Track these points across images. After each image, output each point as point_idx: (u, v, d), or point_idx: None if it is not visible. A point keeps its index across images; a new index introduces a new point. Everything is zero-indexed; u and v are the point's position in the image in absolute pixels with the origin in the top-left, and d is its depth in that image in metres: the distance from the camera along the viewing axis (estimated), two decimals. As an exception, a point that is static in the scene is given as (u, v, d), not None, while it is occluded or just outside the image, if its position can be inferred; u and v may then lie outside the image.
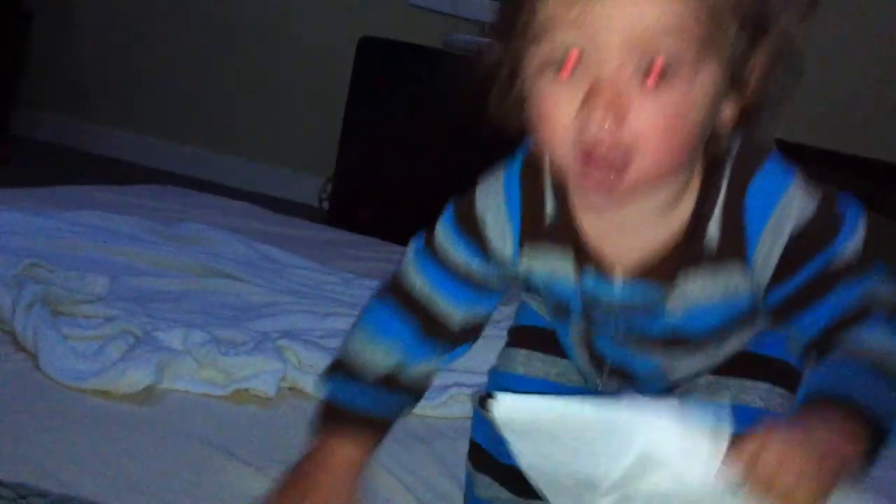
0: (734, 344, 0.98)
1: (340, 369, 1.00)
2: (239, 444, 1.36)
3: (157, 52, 3.81)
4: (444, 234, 0.97)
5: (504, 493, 1.08)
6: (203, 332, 1.60)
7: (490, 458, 1.08)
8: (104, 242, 2.11)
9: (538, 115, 0.83)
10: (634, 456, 0.74)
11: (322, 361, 1.60)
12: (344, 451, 0.97)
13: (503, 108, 0.88)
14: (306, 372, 1.58)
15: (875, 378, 0.78)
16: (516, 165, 0.94)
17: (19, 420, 1.32)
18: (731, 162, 0.87)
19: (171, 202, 2.66)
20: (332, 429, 0.98)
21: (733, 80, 0.83)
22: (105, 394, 1.43)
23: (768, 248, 0.85)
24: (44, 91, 3.89)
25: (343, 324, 1.83)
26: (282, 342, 1.63)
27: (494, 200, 0.94)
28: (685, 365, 0.99)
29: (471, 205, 0.95)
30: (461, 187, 0.99)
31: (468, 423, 1.15)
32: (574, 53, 0.79)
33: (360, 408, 0.98)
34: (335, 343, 1.73)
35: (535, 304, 1.07)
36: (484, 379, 1.14)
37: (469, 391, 1.52)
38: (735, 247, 0.86)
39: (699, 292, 0.89)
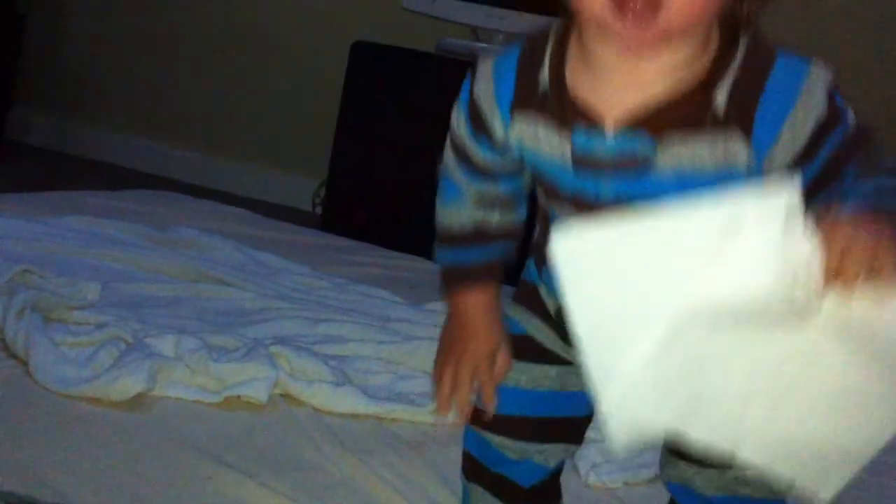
0: None
1: (442, 241, 1.07)
2: (231, 451, 1.36)
3: (151, 56, 3.80)
4: (462, 137, 1.02)
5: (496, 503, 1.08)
6: (195, 338, 1.59)
7: (482, 467, 1.08)
8: (96, 248, 2.10)
9: None
10: (718, 224, 0.80)
11: (315, 368, 1.61)
12: (478, 298, 1.05)
13: None
14: (298, 378, 1.57)
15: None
16: (514, 50, 0.97)
17: (10, 427, 1.32)
18: (747, 37, 0.90)
19: (163, 207, 2.65)
20: (459, 287, 1.06)
21: None
22: (97, 400, 1.43)
23: (799, 127, 0.88)
24: (36, 94, 3.88)
25: (336, 330, 1.83)
26: (274, 348, 1.62)
27: (485, 84, 0.98)
28: None
29: (474, 101, 0.99)
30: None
31: (460, 430, 1.14)
32: None
33: (471, 261, 1.06)
34: (328, 349, 1.74)
35: (542, 199, 1.08)
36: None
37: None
38: (741, 119, 0.89)
39: (693, 156, 0.90)
